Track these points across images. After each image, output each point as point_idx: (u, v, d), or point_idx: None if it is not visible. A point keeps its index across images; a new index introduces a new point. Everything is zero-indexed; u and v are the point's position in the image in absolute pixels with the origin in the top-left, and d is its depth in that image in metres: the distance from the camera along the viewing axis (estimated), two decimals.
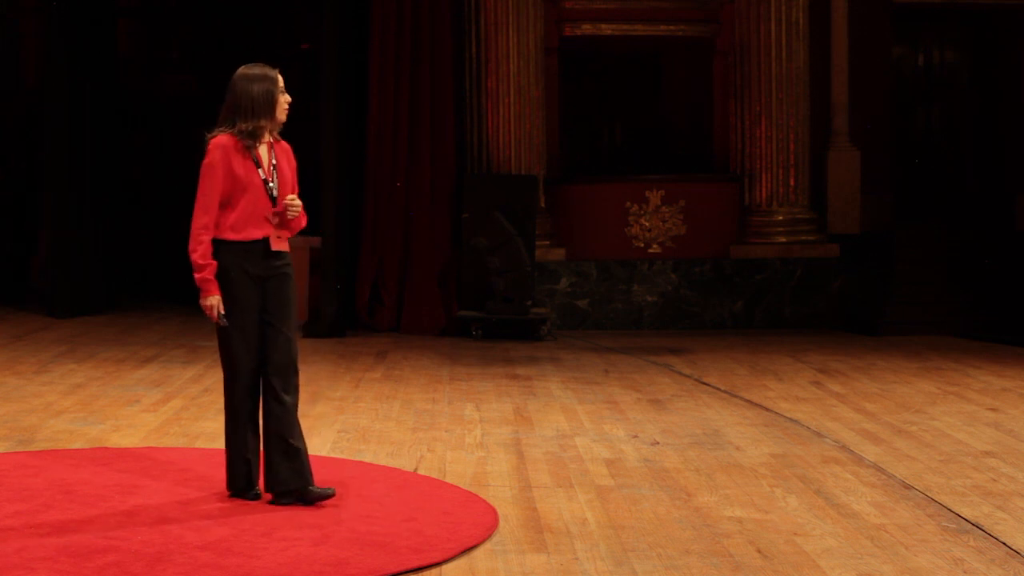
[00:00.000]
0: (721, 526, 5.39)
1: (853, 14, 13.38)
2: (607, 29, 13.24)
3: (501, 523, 5.37)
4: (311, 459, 6.23)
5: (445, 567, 4.79)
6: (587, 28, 13.21)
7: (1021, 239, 13.32)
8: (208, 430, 7.33)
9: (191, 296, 15.24)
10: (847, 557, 4.96)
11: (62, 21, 12.89)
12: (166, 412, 7.89)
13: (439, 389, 8.96)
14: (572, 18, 13.14)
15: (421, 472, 6.33)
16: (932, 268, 13.03)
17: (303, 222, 5.74)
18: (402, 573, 4.71)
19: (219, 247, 5.58)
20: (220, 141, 5.60)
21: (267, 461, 5.63)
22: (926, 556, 4.99)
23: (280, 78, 5.75)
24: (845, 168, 13.41)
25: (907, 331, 12.33)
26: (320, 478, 5.98)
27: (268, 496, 5.64)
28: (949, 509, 5.71)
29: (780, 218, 13.01)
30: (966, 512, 5.65)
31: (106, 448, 6.79)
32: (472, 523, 5.34)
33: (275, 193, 5.64)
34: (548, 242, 12.75)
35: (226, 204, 5.57)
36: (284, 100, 5.73)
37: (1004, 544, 5.17)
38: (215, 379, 9.21)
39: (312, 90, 13.27)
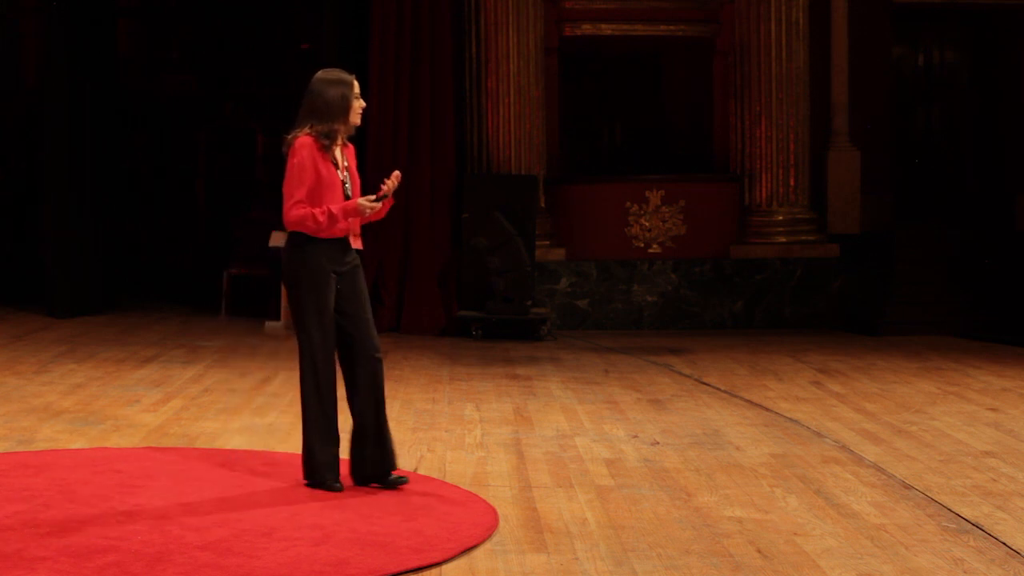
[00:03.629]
0: (721, 526, 5.39)
1: (853, 14, 13.38)
2: (607, 29, 13.24)
3: (501, 523, 5.37)
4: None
5: (445, 567, 4.79)
6: (587, 28, 13.21)
7: (1021, 239, 13.32)
8: (208, 430, 7.33)
9: (191, 296, 15.16)
10: (847, 557, 4.96)
11: (62, 21, 12.89)
12: (166, 412, 7.89)
13: (439, 389, 8.96)
14: (572, 18, 13.14)
15: (421, 472, 6.33)
16: (932, 268, 13.02)
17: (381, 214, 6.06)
18: (402, 573, 4.71)
19: (306, 243, 5.84)
20: (305, 141, 5.82)
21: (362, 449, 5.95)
22: (926, 556, 4.99)
23: (356, 83, 5.95)
24: (845, 168, 13.41)
25: (907, 331, 12.32)
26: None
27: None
28: (949, 509, 5.71)
29: (780, 218, 13.01)
30: (966, 512, 5.65)
31: (106, 448, 6.79)
32: (472, 523, 5.34)
33: (350, 193, 5.92)
34: (548, 242, 12.74)
35: (314, 201, 5.79)
36: (358, 105, 5.93)
37: (1004, 544, 5.17)
38: (215, 379, 9.22)
39: None
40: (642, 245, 12.95)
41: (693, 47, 13.74)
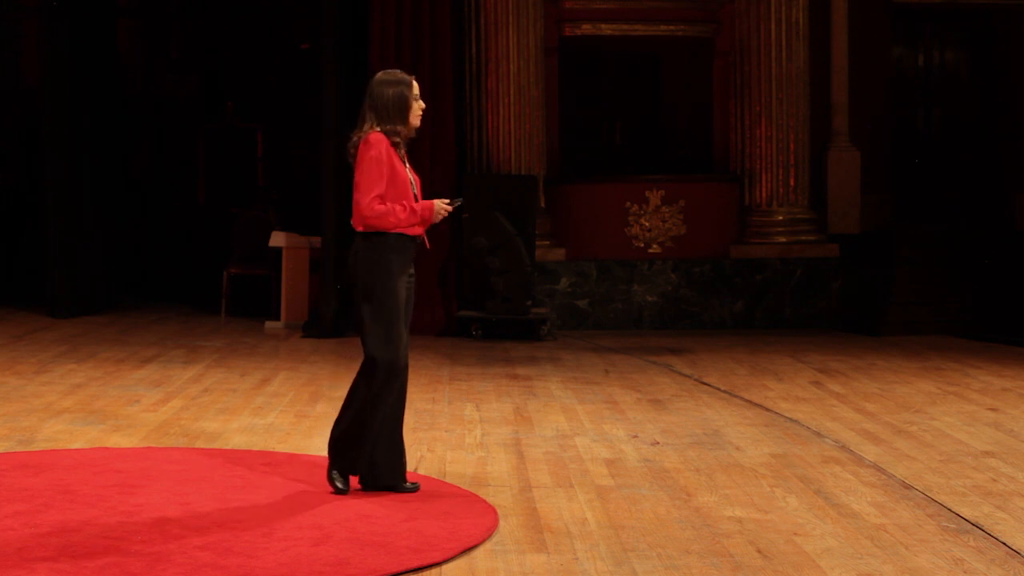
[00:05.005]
0: (721, 526, 5.39)
1: (853, 14, 13.39)
2: (607, 29, 13.25)
3: (501, 523, 5.37)
4: (311, 459, 6.24)
5: (445, 567, 4.79)
6: (587, 28, 13.22)
7: (1021, 239, 13.32)
8: (208, 430, 7.33)
9: (191, 296, 15.12)
10: (847, 557, 4.96)
11: (62, 21, 12.90)
12: (166, 412, 7.89)
13: (439, 389, 8.96)
14: (572, 18, 13.15)
15: (421, 472, 6.32)
16: (932, 268, 13.03)
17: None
18: (402, 573, 4.71)
19: (382, 240, 5.66)
20: (379, 136, 5.67)
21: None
22: (926, 556, 4.99)
23: (415, 84, 5.81)
24: (845, 168, 13.41)
25: (907, 331, 12.33)
26: (321, 479, 5.98)
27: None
28: (949, 509, 5.71)
29: (780, 218, 13.02)
30: (966, 512, 5.65)
31: (106, 448, 6.79)
32: (472, 523, 5.34)
33: (416, 193, 5.77)
34: (548, 242, 12.75)
35: (384, 200, 5.64)
36: (418, 106, 5.78)
37: (1004, 544, 5.17)
38: (215, 379, 9.22)
39: (312, 90, 13.28)
40: (642, 245, 12.96)
41: (693, 47, 13.75)
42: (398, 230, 5.65)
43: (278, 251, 12.79)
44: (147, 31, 16.95)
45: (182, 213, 16.29)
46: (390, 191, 5.65)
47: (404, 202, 5.65)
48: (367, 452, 5.79)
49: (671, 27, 13.35)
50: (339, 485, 5.79)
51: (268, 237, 12.97)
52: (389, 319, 5.68)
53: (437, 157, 12.49)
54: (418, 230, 5.75)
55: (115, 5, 14.98)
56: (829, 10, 13.33)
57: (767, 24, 12.91)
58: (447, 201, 5.76)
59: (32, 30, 15.88)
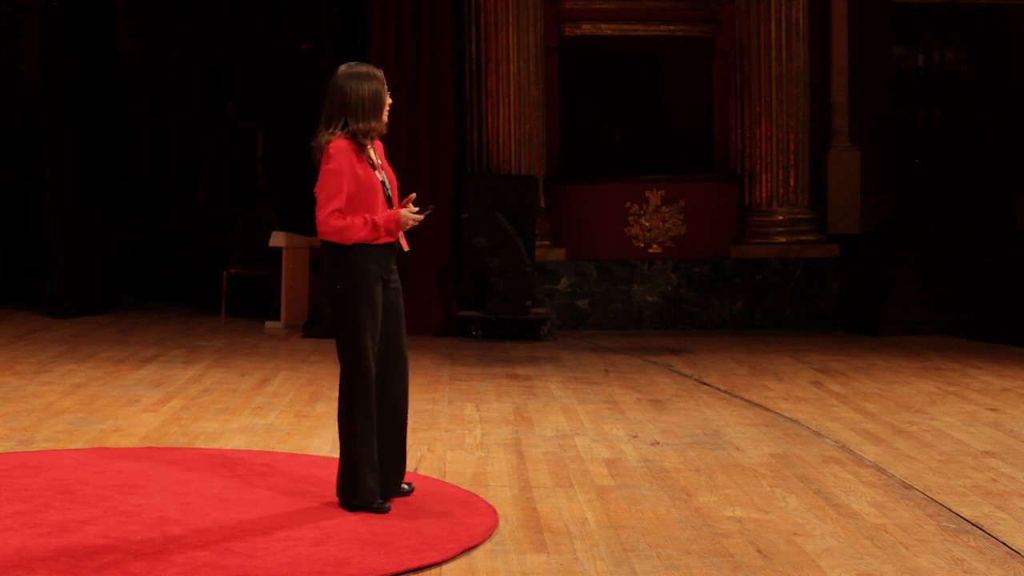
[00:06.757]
0: (721, 526, 5.39)
1: (853, 14, 13.38)
2: (607, 29, 13.24)
3: (501, 523, 5.37)
4: (312, 459, 6.23)
5: (445, 567, 4.80)
6: (587, 28, 13.21)
7: (1021, 239, 13.32)
8: (208, 430, 7.33)
9: (191, 296, 15.10)
10: (847, 557, 4.96)
11: (62, 21, 12.90)
12: (166, 412, 7.89)
13: (439, 389, 8.95)
14: (572, 18, 13.14)
15: (421, 472, 6.32)
16: (932, 268, 13.02)
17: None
18: (402, 573, 4.71)
19: (352, 250, 5.46)
20: (340, 144, 5.43)
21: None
22: (926, 556, 4.99)
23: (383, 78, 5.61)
24: (845, 168, 13.41)
25: (907, 331, 12.32)
26: (321, 479, 5.98)
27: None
28: (949, 509, 5.71)
29: (780, 218, 13.01)
30: (966, 512, 5.65)
31: (106, 448, 6.79)
32: (472, 523, 5.34)
33: (390, 193, 5.57)
34: (548, 242, 12.74)
35: (353, 208, 5.42)
36: (387, 102, 5.60)
37: (1004, 544, 5.17)
38: (215, 379, 9.22)
39: (312, 90, 13.27)
40: (642, 245, 12.95)
41: (693, 47, 13.74)
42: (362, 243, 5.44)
43: (278, 251, 12.79)
44: (147, 31, 16.94)
45: (182, 213, 16.29)
46: (359, 199, 5.41)
47: (367, 215, 5.41)
48: (367, 478, 5.48)
49: (671, 27, 13.34)
50: (378, 506, 5.51)
51: (268, 237, 12.96)
52: (355, 329, 5.52)
53: (437, 157, 12.48)
54: (389, 239, 5.53)
55: (115, 5, 14.98)
56: (829, 10, 13.33)
57: (767, 24, 12.91)
58: (416, 209, 5.51)
59: (32, 30, 15.87)
